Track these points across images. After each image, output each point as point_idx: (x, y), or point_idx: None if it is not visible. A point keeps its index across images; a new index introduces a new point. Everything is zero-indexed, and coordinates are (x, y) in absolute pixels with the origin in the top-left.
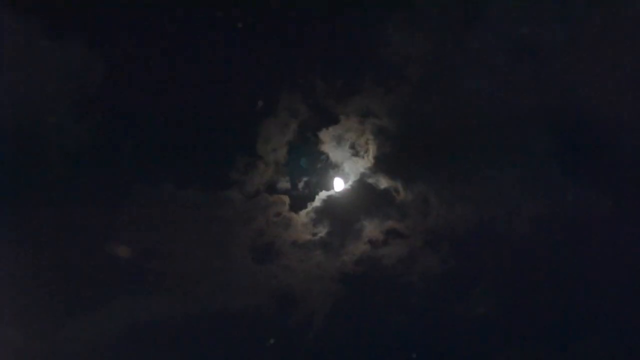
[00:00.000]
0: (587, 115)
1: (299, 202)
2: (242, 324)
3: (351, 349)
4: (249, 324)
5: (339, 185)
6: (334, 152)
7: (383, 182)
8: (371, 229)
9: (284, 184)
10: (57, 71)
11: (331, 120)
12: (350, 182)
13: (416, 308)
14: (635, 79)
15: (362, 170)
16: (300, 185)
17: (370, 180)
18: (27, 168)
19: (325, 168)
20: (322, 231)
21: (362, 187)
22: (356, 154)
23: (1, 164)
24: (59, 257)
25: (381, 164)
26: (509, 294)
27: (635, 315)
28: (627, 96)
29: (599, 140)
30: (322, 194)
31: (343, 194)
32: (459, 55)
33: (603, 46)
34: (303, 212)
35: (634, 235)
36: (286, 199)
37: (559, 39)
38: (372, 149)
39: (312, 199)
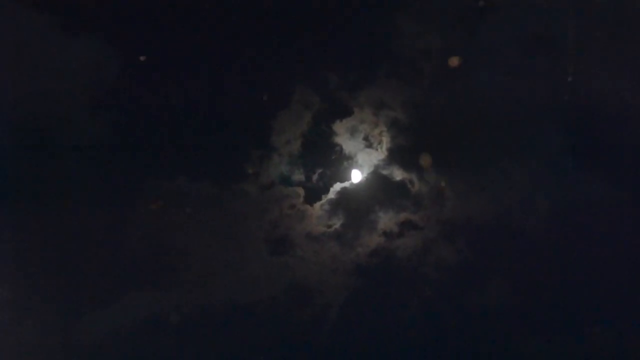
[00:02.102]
0: (603, 108)
1: (314, 194)
2: (256, 316)
3: (366, 342)
4: (263, 317)
5: (356, 176)
6: (347, 143)
7: (397, 174)
8: (386, 220)
9: (298, 176)
10: (72, 66)
11: (345, 112)
12: (364, 174)
13: (431, 299)
14: None
15: (376, 162)
16: (315, 177)
17: (385, 172)
18: (40, 163)
19: (339, 160)
20: (337, 223)
21: (376, 179)
22: (370, 145)
23: (16, 160)
24: (72, 252)
25: (395, 156)
26: (525, 286)
27: None
28: None
29: (615, 134)
30: (337, 186)
31: (357, 186)
32: (473, 47)
33: (620, 39)
34: (317, 204)
35: None
36: (301, 191)
37: (575, 31)
38: (385, 141)
39: (327, 191)
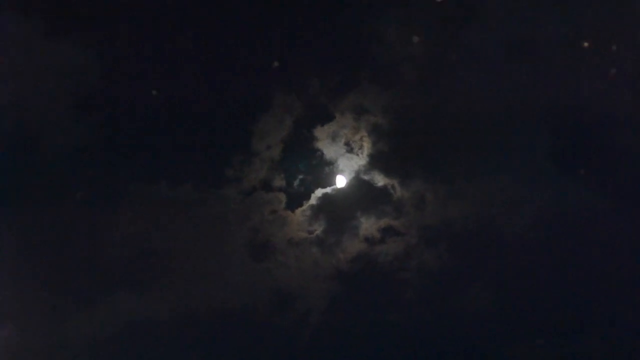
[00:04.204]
0: (585, 113)
1: (295, 199)
2: (238, 321)
3: (347, 347)
4: (245, 322)
5: (341, 181)
6: (328, 149)
7: (379, 180)
8: (367, 226)
9: (280, 181)
10: (53, 71)
11: (326, 117)
12: (345, 180)
13: (412, 305)
14: (635, 77)
15: (357, 167)
16: (296, 182)
17: (366, 178)
18: (24, 166)
19: (321, 165)
20: (318, 229)
21: (357, 185)
22: (351, 150)
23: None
24: (56, 255)
25: (376, 162)
26: (505, 291)
27: (634, 314)
28: (626, 95)
29: (597, 139)
30: (318, 192)
31: (339, 191)
32: (455, 53)
33: (602, 44)
34: (299, 210)
35: (633, 235)
36: (282, 196)
37: (556, 36)
38: (367, 146)
39: (308, 197)
